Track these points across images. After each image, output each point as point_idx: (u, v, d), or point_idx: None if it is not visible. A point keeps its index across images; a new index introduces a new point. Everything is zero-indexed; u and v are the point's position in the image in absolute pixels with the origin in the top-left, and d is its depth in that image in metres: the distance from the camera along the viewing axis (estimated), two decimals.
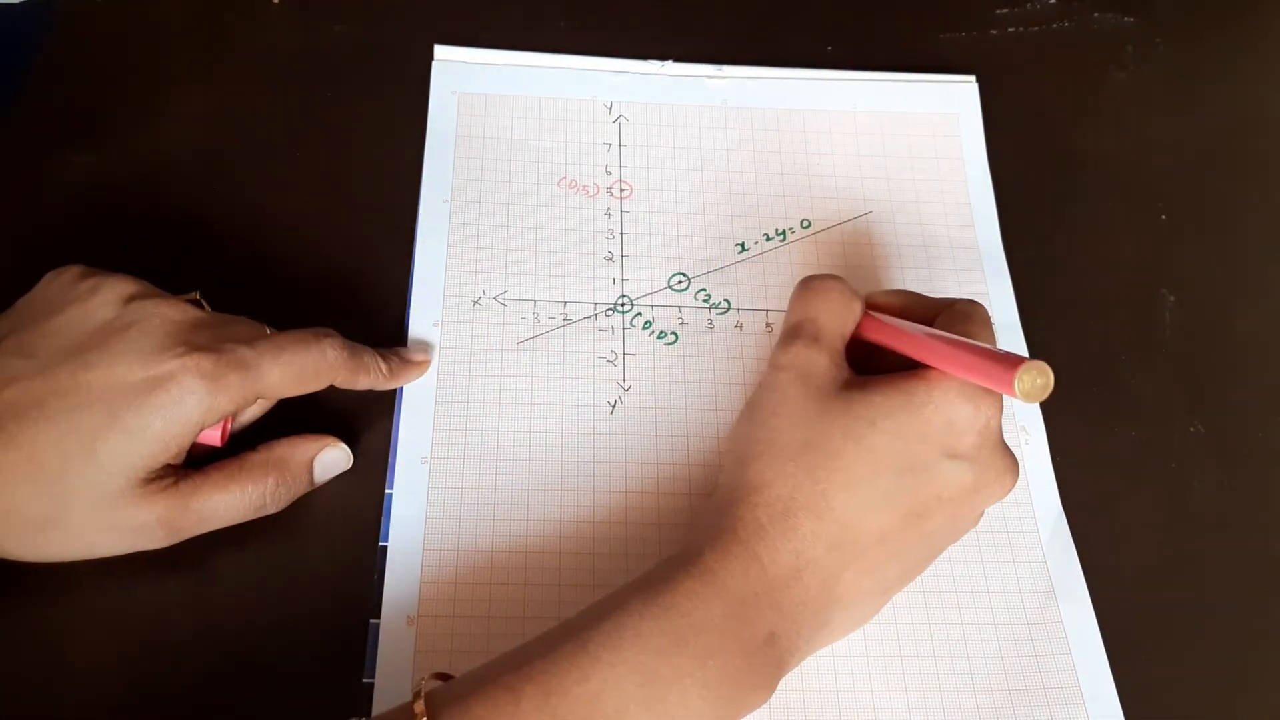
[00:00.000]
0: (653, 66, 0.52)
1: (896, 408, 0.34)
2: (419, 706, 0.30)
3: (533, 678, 0.30)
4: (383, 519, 0.40)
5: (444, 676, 0.33)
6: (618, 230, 0.47)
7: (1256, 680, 0.41)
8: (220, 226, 0.46)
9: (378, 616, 0.38)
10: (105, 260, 0.39)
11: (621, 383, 0.44)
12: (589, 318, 0.45)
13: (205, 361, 0.35)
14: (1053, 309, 0.48)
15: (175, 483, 0.36)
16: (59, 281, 0.37)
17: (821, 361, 0.36)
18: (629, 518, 0.41)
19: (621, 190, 0.49)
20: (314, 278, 0.45)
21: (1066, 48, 0.56)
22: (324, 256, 0.45)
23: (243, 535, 0.38)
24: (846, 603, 0.35)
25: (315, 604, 0.38)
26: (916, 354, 0.36)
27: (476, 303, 0.45)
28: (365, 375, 0.40)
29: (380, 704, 0.36)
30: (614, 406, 0.43)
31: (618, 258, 0.47)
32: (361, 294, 0.45)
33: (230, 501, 0.37)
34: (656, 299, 0.46)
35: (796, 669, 0.37)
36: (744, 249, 0.48)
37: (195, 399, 0.34)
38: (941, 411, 0.34)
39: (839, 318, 0.38)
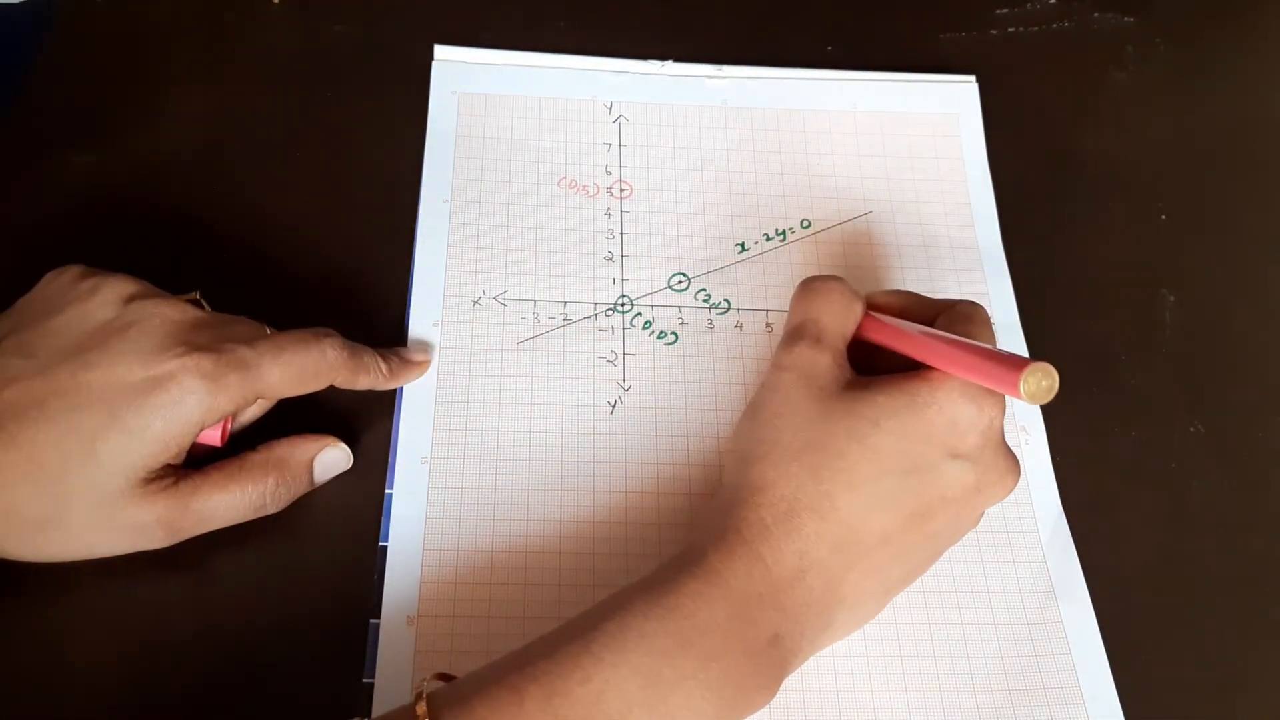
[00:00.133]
0: (653, 66, 0.52)
1: (900, 408, 0.34)
2: (421, 708, 0.30)
3: (536, 678, 0.30)
4: (383, 519, 0.40)
5: (446, 677, 0.33)
6: (618, 230, 0.47)
7: (1256, 680, 0.41)
8: (220, 226, 0.46)
9: (378, 616, 0.38)
10: (105, 260, 0.39)
11: (621, 383, 0.44)
12: (589, 318, 0.45)
13: (205, 361, 0.35)
14: (1053, 309, 0.48)
15: (175, 483, 0.36)
16: (59, 281, 0.37)
17: (824, 362, 0.36)
18: (629, 518, 0.41)
19: (621, 190, 0.49)
20: (314, 278, 0.45)
21: (1066, 48, 0.56)
22: (324, 256, 0.45)
23: (243, 535, 0.38)
24: (850, 603, 0.35)
25: (315, 604, 0.38)
26: (919, 355, 0.36)
27: (476, 303, 0.45)
28: (365, 375, 0.40)
29: (380, 704, 0.36)
30: (614, 406, 0.43)
31: (618, 258, 0.47)
32: (361, 294, 0.45)
33: (230, 501, 0.37)
34: (656, 299, 0.46)
35: (796, 669, 0.37)
36: (744, 249, 0.48)
37: (195, 399, 0.34)
38: (945, 412, 0.34)
39: (840, 318, 0.38)
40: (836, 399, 0.35)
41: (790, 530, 0.33)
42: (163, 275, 0.39)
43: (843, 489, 0.34)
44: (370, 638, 0.38)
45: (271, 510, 0.38)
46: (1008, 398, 0.33)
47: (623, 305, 0.46)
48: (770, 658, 0.33)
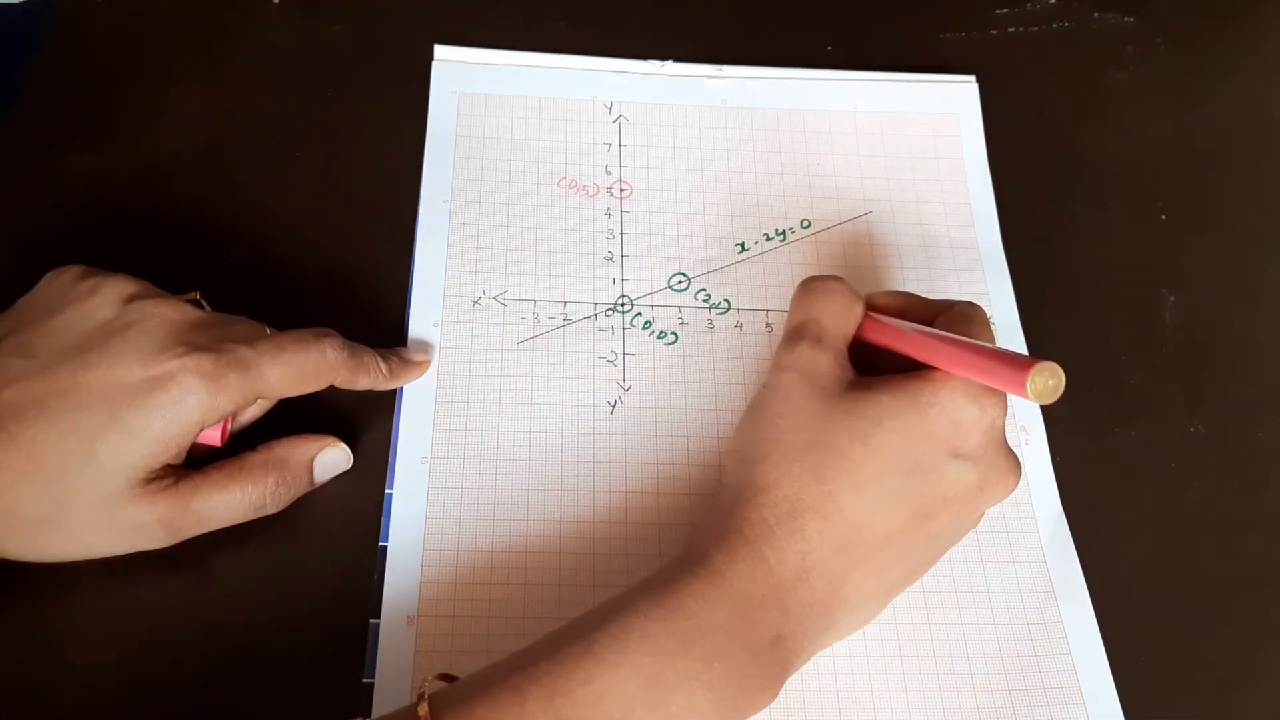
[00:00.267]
0: (653, 66, 0.52)
1: (903, 408, 0.34)
2: (423, 708, 0.30)
3: (538, 679, 0.30)
4: (383, 519, 0.40)
5: (448, 678, 0.33)
6: (618, 230, 0.47)
7: (1256, 680, 0.41)
8: (220, 226, 0.46)
9: (378, 616, 0.38)
10: (105, 260, 0.39)
11: (621, 383, 0.44)
12: (589, 318, 0.45)
13: (205, 361, 0.35)
14: (1053, 309, 0.48)
15: (175, 483, 0.36)
16: (59, 281, 0.37)
17: (825, 362, 0.36)
18: (629, 518, 0.41)
19: (621, 190, 0.49)
20: (314, 278, 0.45)
21: (1066, 48, 0.56)
22: (324, 256, 0.45)
23: (243, 535, 0.38)
24: (852, 604, 0.35)
25: (315, 604, 0.38)
26: (921, 355, 0.35)
27: (476, 303, 0.45)
28: (365, 375, 0.40)
29: (380, 704, 0.36)
30: (614, 406, 0.43)
31: (618, 258, 0.47)
32: (361, 294, 0.45)
33: (230, 501, 0.37)
34: (656, 299, 0.46)
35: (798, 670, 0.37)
36: (744, 249, 0.48)
37: (195, 399, 0.34)
38: (947, 412, 0.34)
39: (841, 318, 0.38)
40: (838, 399, 0.35)
41: (793, 530, 0.33)
42: (163, 275, 0.39)
43: (846, 489, 0.34)
44: (370, 638, 0.37)
45: (271, 510, 0.38)
46: (1009, 397, 0.33)
47: (623, 305, 0.46)
48: (772, 658, 0.33)
